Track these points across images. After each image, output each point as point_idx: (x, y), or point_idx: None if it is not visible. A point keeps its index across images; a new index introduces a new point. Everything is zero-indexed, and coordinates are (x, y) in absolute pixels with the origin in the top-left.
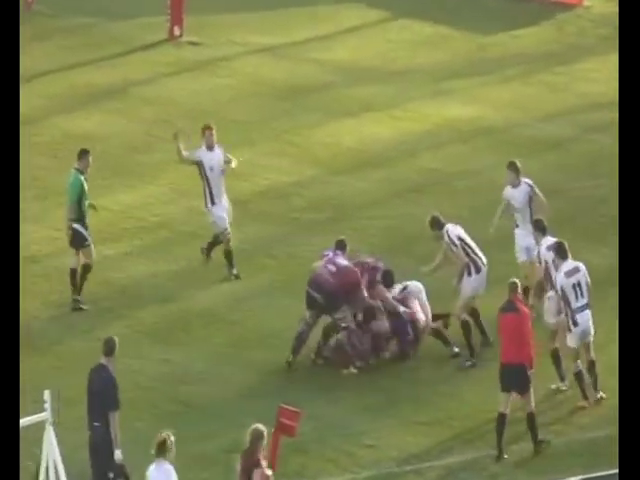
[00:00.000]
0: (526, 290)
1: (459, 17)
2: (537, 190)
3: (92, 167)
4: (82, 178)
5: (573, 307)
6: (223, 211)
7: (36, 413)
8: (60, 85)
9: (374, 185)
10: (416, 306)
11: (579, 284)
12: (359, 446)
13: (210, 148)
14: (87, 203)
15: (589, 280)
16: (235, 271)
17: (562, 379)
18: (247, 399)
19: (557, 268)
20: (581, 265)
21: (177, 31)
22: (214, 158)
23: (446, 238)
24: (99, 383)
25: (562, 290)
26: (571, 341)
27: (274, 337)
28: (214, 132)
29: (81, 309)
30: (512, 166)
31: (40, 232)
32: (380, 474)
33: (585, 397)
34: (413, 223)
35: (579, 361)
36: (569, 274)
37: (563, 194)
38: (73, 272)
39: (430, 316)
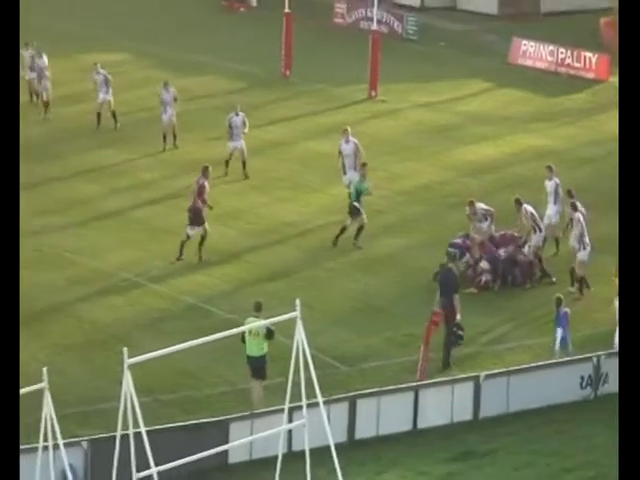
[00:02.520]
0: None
1: (537, 86)
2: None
3: (322, 170)
4: None
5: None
6: None
7: None
8: (307, 125)
9: (484, 184)
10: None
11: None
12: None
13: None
14: None
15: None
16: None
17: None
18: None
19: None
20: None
21: (373, 93)
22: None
23: (524, 212)
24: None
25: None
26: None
27: None
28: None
29: None
30: (549, 168)
31: None
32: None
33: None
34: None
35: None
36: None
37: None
38: None
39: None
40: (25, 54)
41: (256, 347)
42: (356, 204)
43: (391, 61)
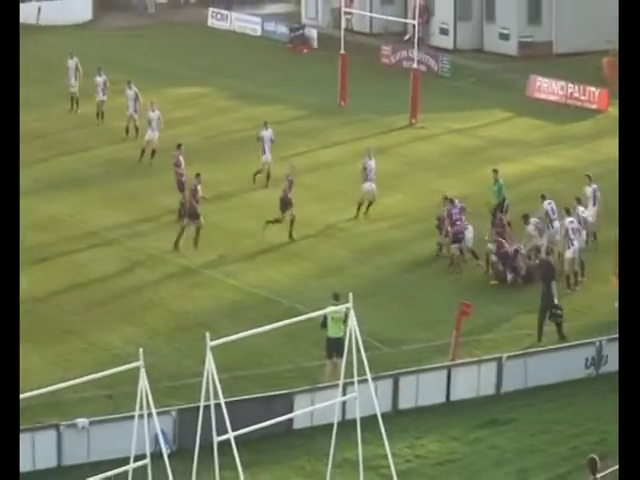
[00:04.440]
0: None
1: (549, 116)
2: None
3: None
4: None
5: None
6: None
7: None
8: (357, 146)
9: (508, 197)
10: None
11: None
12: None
13: None
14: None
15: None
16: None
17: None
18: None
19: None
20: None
21: (413, 121)
22: None
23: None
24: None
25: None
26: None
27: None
28: None
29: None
30: (588, 176)
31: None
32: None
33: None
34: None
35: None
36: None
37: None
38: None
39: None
40: (129, 92)
41: (337, 329)
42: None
43: (428, 94)
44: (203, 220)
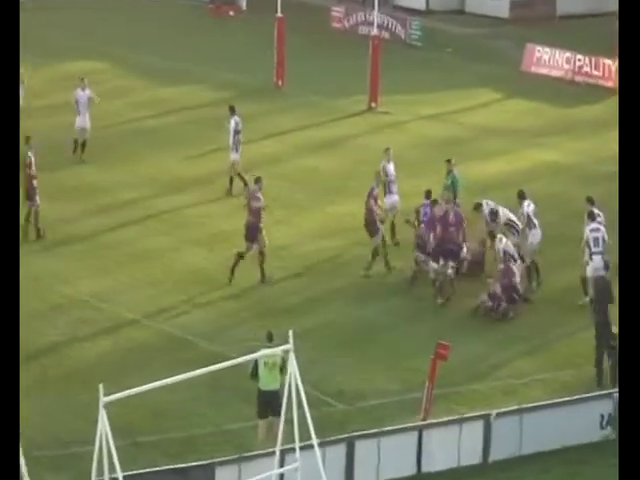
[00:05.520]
0: None
1: (549, 96)
2: None
3: (317, 188)
4: None
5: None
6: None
7: None
8: (301, 138)
9: (499, 201)
10: None
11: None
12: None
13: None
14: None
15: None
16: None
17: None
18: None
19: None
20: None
21: (373, 105)
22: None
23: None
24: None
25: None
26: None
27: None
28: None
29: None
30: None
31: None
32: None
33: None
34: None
35: None
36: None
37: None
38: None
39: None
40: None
41: (272, 379)
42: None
43: (393, 69)
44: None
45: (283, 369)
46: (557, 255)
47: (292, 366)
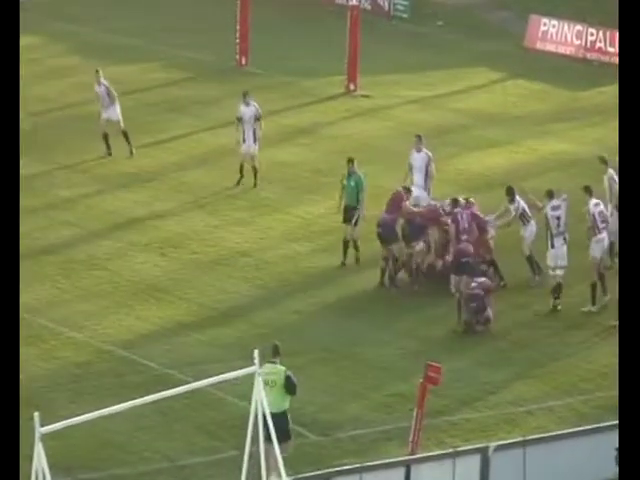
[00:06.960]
0: None
1: (557, 77)
2: None
3: (285, 186)
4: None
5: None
6: None
7: None
8: (267, 126)
9: (495, 201)
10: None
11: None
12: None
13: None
14: None
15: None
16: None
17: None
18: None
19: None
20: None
21: (352, 87)
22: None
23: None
24: None
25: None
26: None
27: None
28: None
29: None
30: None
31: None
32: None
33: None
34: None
35: None
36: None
37: None
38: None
39: None
40: None
41: (276, 401)
42: None
43: (375, 45)
44: None
45: (291, 389)
46: None
47: (258, 390)
